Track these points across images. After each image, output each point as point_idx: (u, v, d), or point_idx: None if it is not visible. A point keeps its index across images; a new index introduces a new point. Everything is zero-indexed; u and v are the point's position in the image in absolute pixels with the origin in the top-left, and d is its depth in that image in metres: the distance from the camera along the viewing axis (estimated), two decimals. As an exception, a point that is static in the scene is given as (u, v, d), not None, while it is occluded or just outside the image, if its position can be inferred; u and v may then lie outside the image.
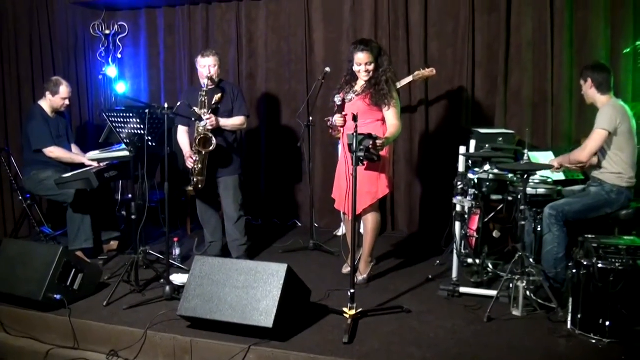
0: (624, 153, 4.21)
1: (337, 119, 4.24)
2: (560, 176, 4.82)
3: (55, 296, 3.98)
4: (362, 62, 4.36)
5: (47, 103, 5.30)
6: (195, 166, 4.86)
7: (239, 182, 5.17)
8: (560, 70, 5.61)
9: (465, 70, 5.88)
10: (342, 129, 4.31)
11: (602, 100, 4.31)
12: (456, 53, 5.96)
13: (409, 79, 5.61)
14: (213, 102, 4.89)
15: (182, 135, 5.08)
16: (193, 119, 4.75)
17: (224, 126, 4.93)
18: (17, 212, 6.00)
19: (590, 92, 4.34)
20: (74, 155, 5.29)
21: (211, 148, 4.75)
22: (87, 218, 5.12)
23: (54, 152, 5.19)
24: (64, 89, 5.27)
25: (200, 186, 4.94)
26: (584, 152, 4.22)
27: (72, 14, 6.80)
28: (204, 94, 4.83)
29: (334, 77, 5.69)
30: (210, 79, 4.85)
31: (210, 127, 4.76)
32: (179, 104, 4.79)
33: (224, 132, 4.97)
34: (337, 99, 4.10)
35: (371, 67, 4.37)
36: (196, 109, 4.78)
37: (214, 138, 4.74)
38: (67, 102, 5.34)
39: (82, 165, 5.21)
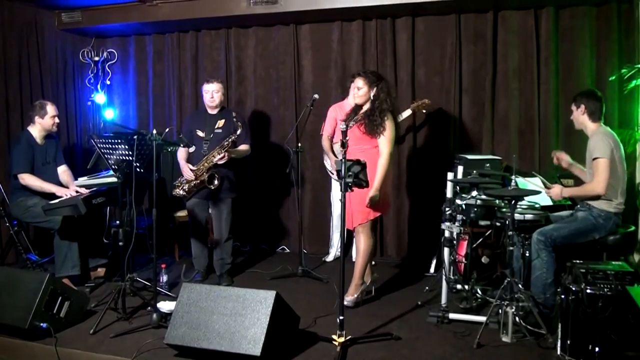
0: (614, 179, 4.25)
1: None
2: (547, 201, 4.84)
3: (42, 324, 3.92)
4: (355, 86, 4.59)
5: (38, 128, 5.27)
6: (189, 184, 5.18)
7: (232, 205, 5.41)
8: (547, 98, 5.69)
9: (452, 97, 5.96)
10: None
11: (592, 127, 4.37)
12: (443, 80, 6.03)
13: (407, 112, 5.64)
14: (216, 127, 5.25)
15: (182, 153, 5.34)
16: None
17: (234, 157, 5.26)
18: (3, 238, 5.94)
19: (581, 118, 4.40)
20: (45, 184, 5.15)
21: (212, 187, 5.15)
22: (74, 245, 5.07)
23: (25, 179, 5.12)
24: (50, 108, 5.27)
25: (184, 199, 5.31)
26: (600, 185, 4.20)
27: (61, 40, 6.82)
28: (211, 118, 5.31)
29: (322, 103, 5.74)
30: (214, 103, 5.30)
31: (221, 162, 5.12)
32: (167, 130, 4.83)
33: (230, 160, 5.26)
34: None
35: (360, 93, 4.56)
36: (199, 132, 5.18)
37: (217, 180, 5.15)
38: (57, 119, 5.32)
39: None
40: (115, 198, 4.77)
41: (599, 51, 5.56)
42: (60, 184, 5.32)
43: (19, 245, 5.59)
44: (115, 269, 5.31)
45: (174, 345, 3.67)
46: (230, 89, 6.71)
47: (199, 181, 5.17)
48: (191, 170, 5.15)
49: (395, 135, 4.60)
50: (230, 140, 5.20)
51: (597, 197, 4.26)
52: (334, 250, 6.11)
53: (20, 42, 6.23)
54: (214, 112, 5.34)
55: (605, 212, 4.28)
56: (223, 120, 5.30)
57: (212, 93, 5.26)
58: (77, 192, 5.08)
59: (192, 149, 5.12)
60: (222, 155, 5.10)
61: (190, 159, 5.29)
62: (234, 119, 5.23)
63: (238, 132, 5.21)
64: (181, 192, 5.22)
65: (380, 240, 6.23)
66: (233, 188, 5.42)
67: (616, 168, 4.26)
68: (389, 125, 4.51)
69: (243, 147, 5.37)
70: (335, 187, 5.91)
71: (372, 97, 4.55)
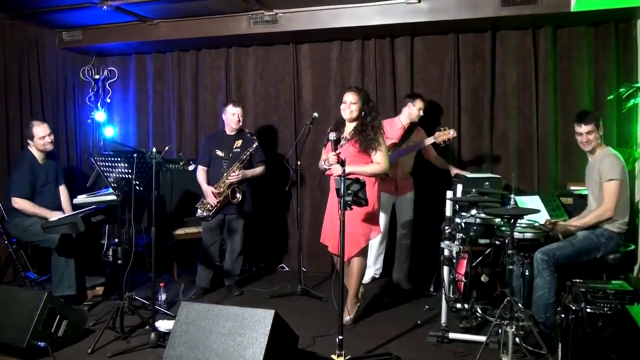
0: (623, 200, 4.28)
1: (330, 157, 4.34)
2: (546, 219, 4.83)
3: (40, 343, 3.90)
4: (347, 101, 4.61)
5: (33, 148, 5.31)
6: (214, 205, 5.38)
7: (247, 221, 5.71)
8: (545, 117, 5.72)
9: (451, 116, 5.98)
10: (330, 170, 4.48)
11: (599, 148, 4.37)
12: (442, 99, 6.05)
13: (430, 140, 5.50)
14: (235, 147, 5.51)
15: (201, 174, 5.56)
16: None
17: (250, 177, 5.55)
18: (2, 256, 5.91)
19: (594, 137, 4.34)
20: (38, 209, 5.18)
21: (236, 201, 5.41)
22: (72, 264, 5.04)
23: (19, 203, 5.13)
24: (37, 129, 5.26)
25: (206, 220, 5.47)
26: (610, 209, 4.22)
27: (62, 58, 6.85)
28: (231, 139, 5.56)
29: (322, 122, 5.75)
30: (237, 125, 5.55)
31: (236, 180, 5.37)
32: (166, 148, 4.85)
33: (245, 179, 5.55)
34: (332, 136, 4.21)
35: (354, 108, 4.59)
36: (219, 152, 5.49)
37: (239, 193, 5.41)
38: (47, 139, 5.29)
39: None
40: (114, 216, 4.76)
41: (597, 70, 5.60)
42: (60, 203, 5.35)
43: (18, 263, 5.57)
44: (113, 287, 5.30)
45: (172, 365, 3.65)
46: (230, 107, 6.74)
47: (222, 197, 5.37)
48: (213, 193, 5.36)
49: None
50: (248, 153, 5.43)
51: (622, 221, 4.28)
52: (371, 272, 5.94)
53: (21, 60, 6.26)
54: (232, 132, 5.56)
55: (608, 232, 4.28)
56: (240, 141, 5.54)
57: (238, 115, 5.48)
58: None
59: (190, 167, 5.17)
60: (237, 173, 5.35)
61: (209, 178, 5.50)
62: (248, 135, 5.51)
63: (255, 145, 5.46)
64: (205, 213, 5.40)
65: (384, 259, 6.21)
66: (250, 205, 5.64)
67: (626, 189, 4.29)
68: (382, 140, 4.60)
69: (258, 168, 5.63)
70: None
71: (362, 114, 4.60)
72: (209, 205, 5.39)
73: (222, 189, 5.37)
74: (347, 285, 4.69)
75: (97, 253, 5.73)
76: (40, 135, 5.26)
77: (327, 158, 4.44)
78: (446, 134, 5.38)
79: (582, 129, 4.33)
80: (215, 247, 5.62)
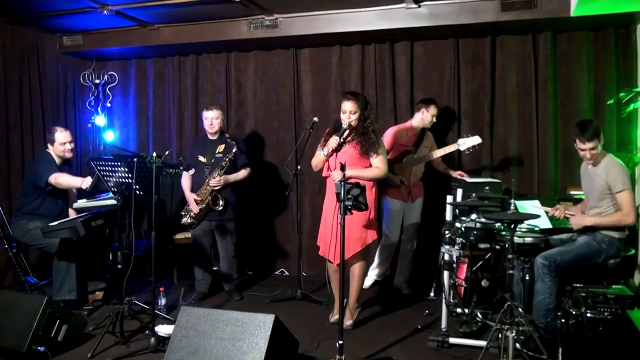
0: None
1: (332, 140, 4.53)
2: (547, 224, 4.83)
3: (39, 348, 3.89)
4: (346, 110, 4.57)
5: (53, 153, 5.33)
6: (196, 212, 5.36)
7: (235, 225, 5.62)
8: (545, 121, 5.72)
9: (451, 120, 5.97)
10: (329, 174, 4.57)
11: (600, 157, 4.36)
12: (442, 103, 6.04)
13: (452, 147, 5.47)
14: (217, 152, 5.44)
15: (185, 180, 5.52)
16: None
17: (233, 181, 5.47)
18: (2, 261, 5.90)
19: (597, 151, 4.31)
20: (73, 178, 5.25)
21: (218, 208, 5.35)
22: (72, 269, 5.04)
23: (56, 177, 5.14)
24: (58, 135, 5.29)
25: (192, 227, 5.47)
26: (630, 216, 4.21)
27: (62, 63, 6.86)
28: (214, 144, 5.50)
29: (322, 126, 5.75)
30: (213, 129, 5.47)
31: (217, 187, 5.32)
32: (166, 152, 4.85)
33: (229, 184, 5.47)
34: (345, 124, 4.49)
35: (354, 116, 4.57)
36: (201, 158, 5.43)
37: (221, 200, 5.34)
38: (68, 146, 5.33)
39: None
40: (114, 220, 4.76)
41: (597, 75, 5.61)
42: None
43: (18, 267, 5.56)
44: (113, 292, 5.29)
45: (172, 370, 3.65)
46: (230, 112, 6.75)
47: (204, 205, 5.33)
48: (195, 200, 5.34)
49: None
50: (227, 159, 5.36)
51: (622, 227, 4.29)
52: (372, 275, 5.97)
53: (21, 64, 6.26)
54: (214, 137, 5.52)
55: (609, 238, 4.28)
56: (223, 145, 5.47)
57: (211, 120, 5.43)
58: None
59: (191, 172, 5.18)
60: (217, 179, 5.31)
61: (192, 184, 5.46)
62: (228, 139, 5.43)
63: (234, 150, 5.37)
64: (190, 220, 5.39)
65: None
66: (234, 209, 5.54)
67: None
68: (383, 144, 4.66)
69: (242, 172, 5.54)
70: None
71: (362, 118, 4.60)
72: (192, 213, 5.38)
73: (204, 196, 5.34)
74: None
75: (99, 257, 5.72)
76: (62, 142, 5.29)
77: (326, 143, 4.59)
78: (472, 141, 5.33)
79: (586, 145, 4.26)
80: (208, 253, 5.62)
